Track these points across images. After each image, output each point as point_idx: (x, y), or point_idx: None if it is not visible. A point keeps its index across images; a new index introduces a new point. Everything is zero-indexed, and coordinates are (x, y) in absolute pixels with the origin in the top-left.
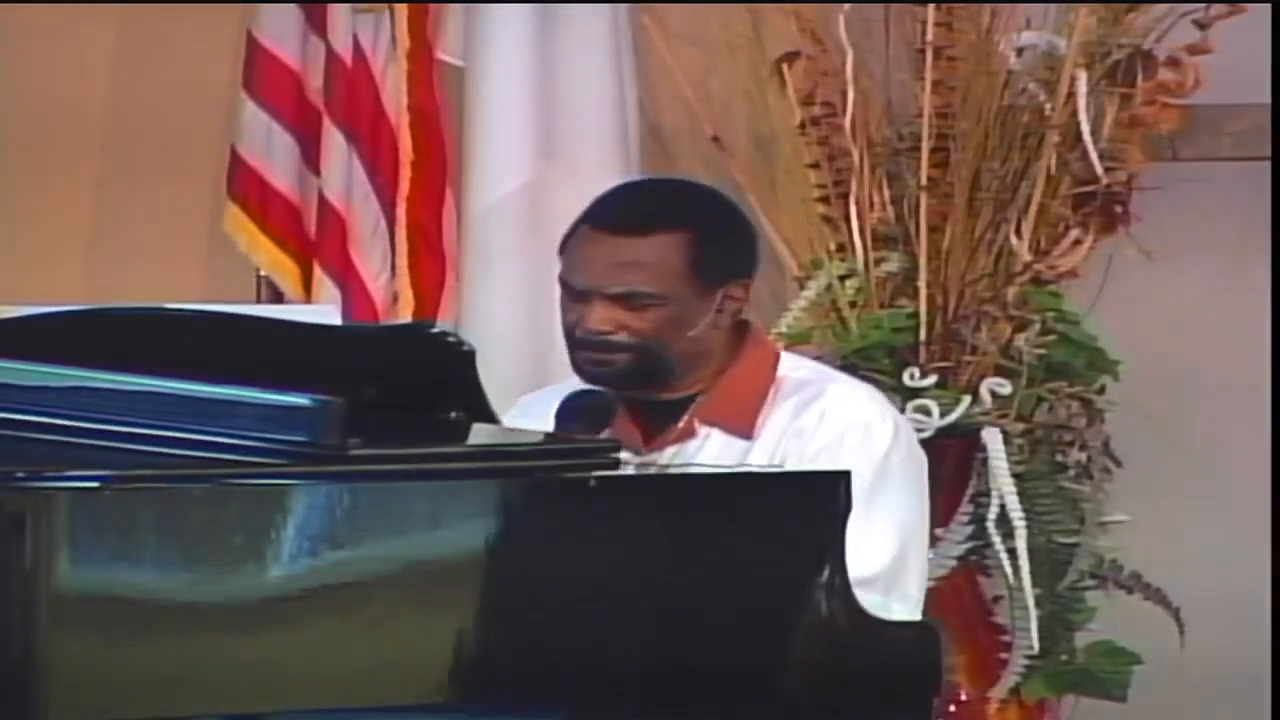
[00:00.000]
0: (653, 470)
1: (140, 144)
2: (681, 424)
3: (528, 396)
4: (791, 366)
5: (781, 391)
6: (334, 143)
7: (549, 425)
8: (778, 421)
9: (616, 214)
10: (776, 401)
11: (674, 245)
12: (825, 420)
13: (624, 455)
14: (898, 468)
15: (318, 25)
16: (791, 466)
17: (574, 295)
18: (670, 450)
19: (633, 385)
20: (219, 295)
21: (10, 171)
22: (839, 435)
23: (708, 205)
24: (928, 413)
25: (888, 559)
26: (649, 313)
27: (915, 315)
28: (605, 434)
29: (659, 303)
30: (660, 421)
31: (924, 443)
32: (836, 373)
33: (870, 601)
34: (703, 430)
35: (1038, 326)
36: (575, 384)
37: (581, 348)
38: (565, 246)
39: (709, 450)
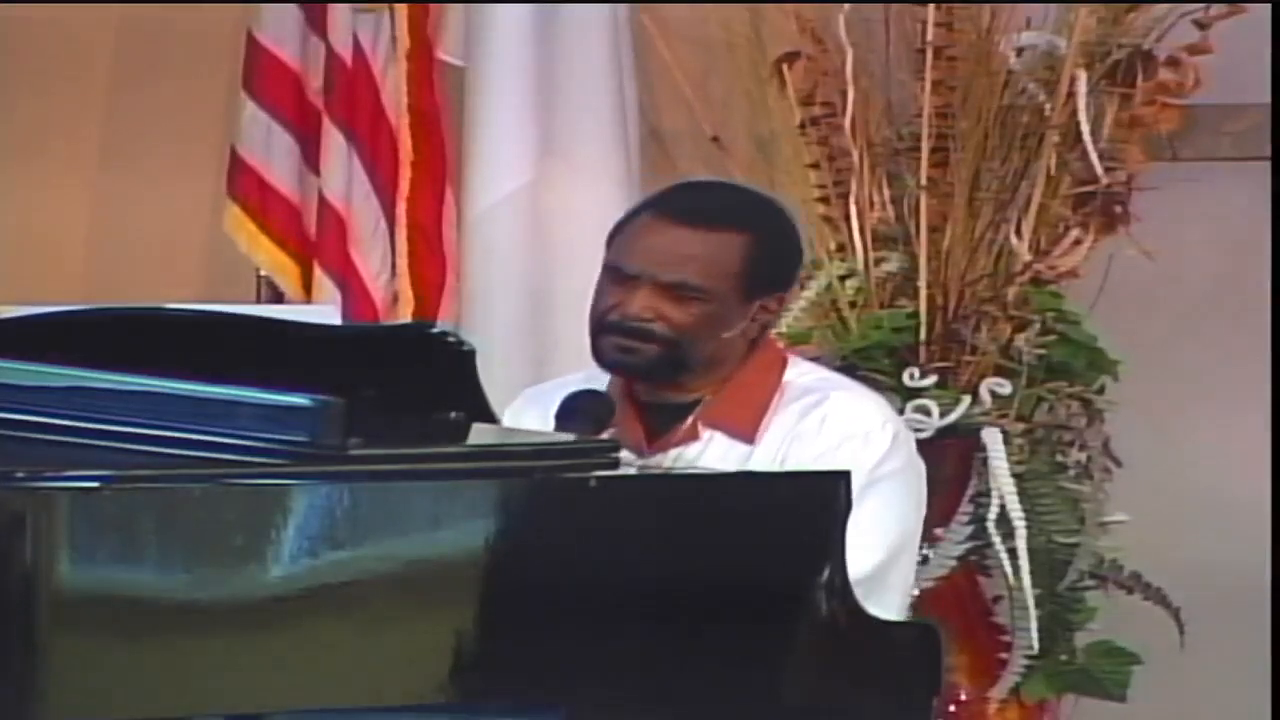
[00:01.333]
0: (653, 470)
1: (139, 144)
2: (685, 426)
3: (532, 390)
4: (799, 372)
5: (786, 397)
6: (334, 143)
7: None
8: (781, 426)
9: (682, 205)
10: (781, 407)
11: (732, 245)
12: (825, 426)
13: (626, 456)
14: (891, 476)
15: (318, 25)
16: (790, 467)
17: (620, 280)
18: (673, 452)
19: (650, 379)
20: (219, 295)
21: (10, 174)
22: (837, 443)
23: (769, 213)
24: (928, 413)
25: (870, 566)
26: (692, 306)
27: (915, 315)
28: (606, 434)
29: (704, 298)
30: (664, 423)
31: (924, 443)
32: (844, 379)
33: None
34: (705, 433)
35: (1038, 326)
36: (581, 377)
37: (611, 333)
38: (618, 233)
39: (711, 454)
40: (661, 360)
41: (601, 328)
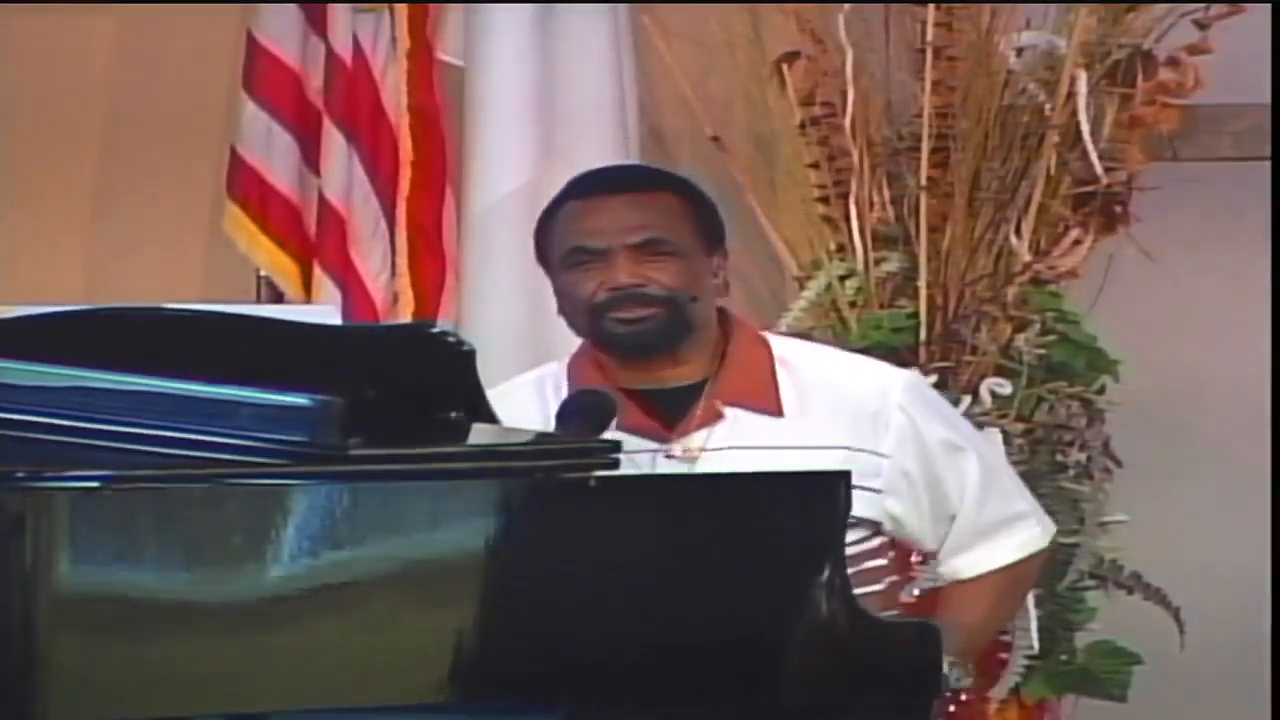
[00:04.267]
0: (652, 471)
1: (140, 144)
2: (701, 408)
3: (501, 386)
4: (784, 347)
5: (803, 378)
6: (334, 143)
7: (530, 411)
8: (828, 413)
9: (609, 180)
10: (806, 390)
11: (672, 202)
12: (879, 391)
13: (653, 445)
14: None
15: (318, 25)
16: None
17: (590, 258)
18: (702, 433)
19: (662, 346)
20: (219, 295)
21: (9, 173)
22: (911, 404)
23: (681, 178)
24: None
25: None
26: (669, 263)
27: (915, 315)
28: (607, 433)
29: (677, 252)
30: (674, 409)
31: None
32: (829, 349)
33: (1030, 535)
34: (730, 412)
35: (1038, 326)
36: (533, 377)
37: (610, 309)
38: (548, 230)
39: (741, 430)
40: (666, 323)
41: (595, 310)
